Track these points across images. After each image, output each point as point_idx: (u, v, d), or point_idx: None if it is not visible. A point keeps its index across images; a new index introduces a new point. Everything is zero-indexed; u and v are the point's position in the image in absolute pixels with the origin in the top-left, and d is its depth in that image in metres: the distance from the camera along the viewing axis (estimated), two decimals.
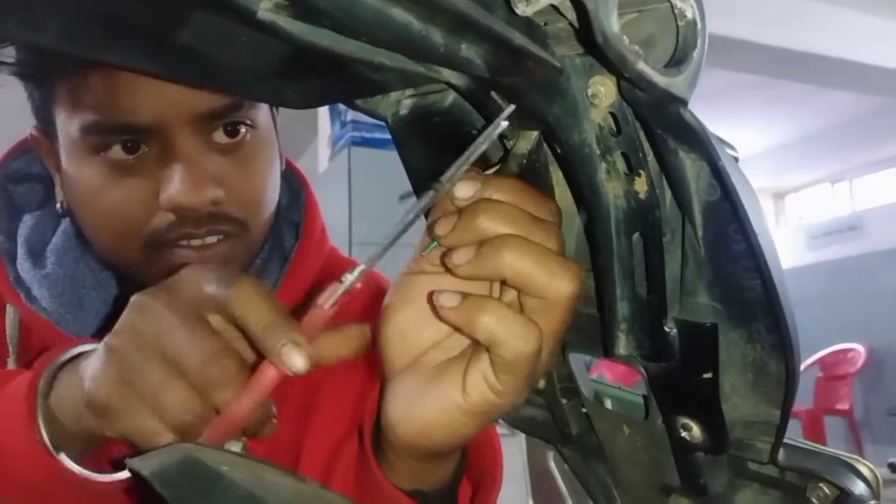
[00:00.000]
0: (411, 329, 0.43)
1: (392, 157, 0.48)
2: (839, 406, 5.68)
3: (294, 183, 0.77)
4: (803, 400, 5.77)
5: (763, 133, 5.72)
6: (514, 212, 0.38)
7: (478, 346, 0.40)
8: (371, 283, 0.79)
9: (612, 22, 0.26)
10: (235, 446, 0.36)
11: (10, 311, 0.68)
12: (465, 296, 0.38)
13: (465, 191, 0.39)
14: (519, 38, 0.29)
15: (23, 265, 0.68)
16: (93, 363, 0.43)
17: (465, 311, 0.38)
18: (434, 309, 0.39)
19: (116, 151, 0.59)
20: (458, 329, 0.40)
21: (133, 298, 0.42)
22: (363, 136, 2.78)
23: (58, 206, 0.68)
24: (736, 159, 0.45)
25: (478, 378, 0.39)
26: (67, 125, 0.61)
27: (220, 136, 0.62)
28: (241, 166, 0.64)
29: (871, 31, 3.78)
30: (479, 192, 0.39)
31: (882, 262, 5.91)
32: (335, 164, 2.93)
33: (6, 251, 0.68)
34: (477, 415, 0.40)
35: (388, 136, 0.46)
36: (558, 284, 0.37)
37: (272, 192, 0.69)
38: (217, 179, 0.61)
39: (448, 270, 0.39)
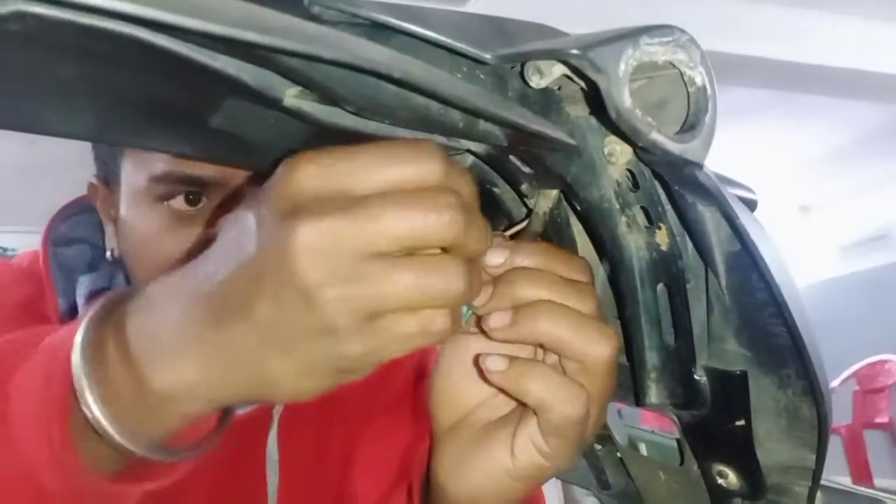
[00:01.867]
0: (459, 388, 0.43)
1: None
2: (879, 419, 5.55)
3: None
4: (842, 416, 5.63)
5: (789, 147, 5.69)
6: (549, 277, 0.38)
7: (525, 408, 0.40)
8: None
9: (623, 97, 0.27)
10: None
11: None
12: (511, 359, 0.38)
13: (495, 258, 0.39)
14: (534, 123, 0.30)
15: None
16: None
17: (513, 376, 0.38)
18: (481, 371, 0.39)
19: (179, 202, 0.61)
20: (505, 392, 0.40)
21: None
22: None
23: (108, 253, 0.70)
24: (754, 202, 0.46)
25: (526, 442, 0.40)
26: (134, 174, 0.63)
27: None
28: None
29: (889, 41, 3.76)
30: (509, 259, 0.39)
31: None
32: None
33: (65, 312, 0.70)
34: (526, 478, 0.40)
35: None
36: (595, 349, 0.38)
37: None
38: None
39: (485, 334, 0.39)
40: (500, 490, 0.41)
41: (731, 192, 0.35)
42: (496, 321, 0.38)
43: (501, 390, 0.41)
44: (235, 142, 0.38)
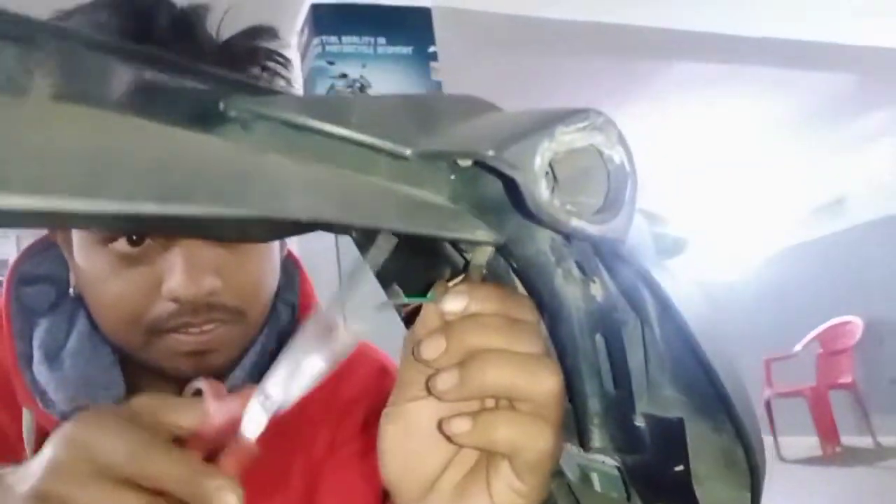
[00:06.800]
0: (419, 459, 0.43)
1: None
2: (842, 380, 5.70)
3: (289, 266, 0.80)
4: (807, 378, 5.79)
5: (741, 120, 5.76)
6: (499, 322, 0.39)
7: (492, 457, 0.41)
8: (374, 362, 0.81)
9: (541, 191, 0.28)
10: None
11: (26, 416, 0.69)
12: (473, 415, 0.38)
13: (455, 304, 0.39)
14: (455, 232, 0.31)
15: (38, 368, 0.69)
16: None
17: (481, 431, 0.38)
18: (447, 437, 0.39)
19: (121, 244, 0.62)
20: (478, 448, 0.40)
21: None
22: None
23: (70, 290, 0.70)
24: (684, 242, 0.47)
25: (503, 487, 0.40)
26: None
27: None
28: (238, 257, 0.66)
29: (835, 10, 3.81)
30: (467, 306, 0.39)
31: (866, 236, 5.96)
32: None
33: (22, 354, 0.69)
34: None
35: None
36: (543, 383, 0.38)
37: (270, 281, 0.71)
38: (215, 270, 0.63)
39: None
40: None
41: (658, 232, 0.35)
42: (444, 383, 0.38)
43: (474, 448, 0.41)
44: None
